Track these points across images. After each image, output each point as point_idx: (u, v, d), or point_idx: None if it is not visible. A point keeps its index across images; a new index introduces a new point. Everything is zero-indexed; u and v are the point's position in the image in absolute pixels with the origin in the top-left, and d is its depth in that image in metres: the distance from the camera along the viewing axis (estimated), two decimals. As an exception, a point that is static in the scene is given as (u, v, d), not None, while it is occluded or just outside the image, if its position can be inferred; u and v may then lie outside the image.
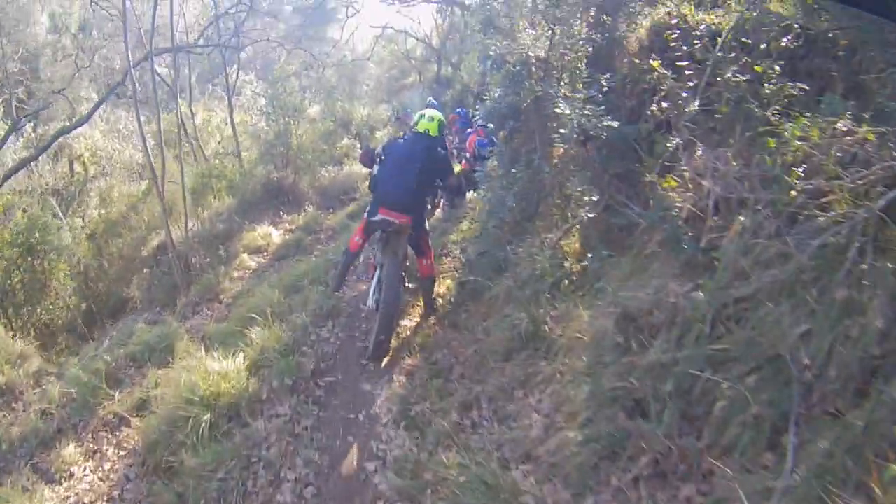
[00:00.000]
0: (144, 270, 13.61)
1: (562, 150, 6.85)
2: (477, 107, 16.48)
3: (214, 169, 16.34)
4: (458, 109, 18.82)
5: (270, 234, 13.51)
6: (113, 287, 13.90)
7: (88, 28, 22.26)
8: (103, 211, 17.01)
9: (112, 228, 15.81)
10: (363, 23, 47.03)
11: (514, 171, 7.09)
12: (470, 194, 12.70)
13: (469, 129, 14.62)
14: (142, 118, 20.12)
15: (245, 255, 12.57)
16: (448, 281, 8.00)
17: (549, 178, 6.80)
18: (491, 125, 11.55)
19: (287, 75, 16.16)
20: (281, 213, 15.00)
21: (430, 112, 7.17)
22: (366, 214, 6.90)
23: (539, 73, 6.75)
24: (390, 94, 31.96)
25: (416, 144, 6.90)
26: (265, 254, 12.83)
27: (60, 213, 15.47)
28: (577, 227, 6.34)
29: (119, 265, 14.53)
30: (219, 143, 19.88)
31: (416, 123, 7.14)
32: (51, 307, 12.83)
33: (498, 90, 7.47)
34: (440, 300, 7.55)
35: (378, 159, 7.06)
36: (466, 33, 27.22)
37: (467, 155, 12.65)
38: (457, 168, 12.83)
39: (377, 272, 6.76)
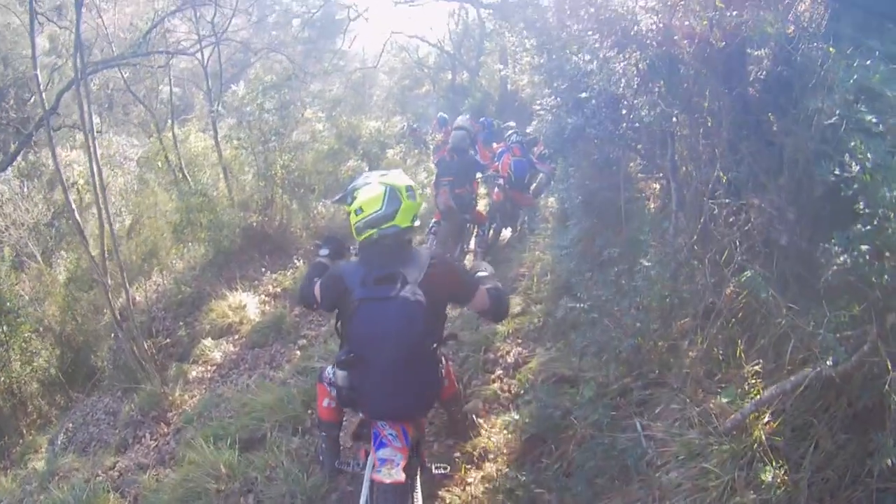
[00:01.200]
0: (112, 335, 11.23)
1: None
2: (510, 124, 13.89)
3: (198, 203, 12.94)
4: (483, 119, 16.51)
5: (245, 304, 10.42)
6: (83, 350, 11.87)
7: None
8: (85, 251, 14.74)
9: (87, 274, 13.51)
10: (373, 31, 45.05)
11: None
12: (506, 232, 10.81)
13: (497, 145, 13.10)
14: (133, 144, 17.83)
15: (209, 342, 9.62)
16: (499, 422, 5.16)
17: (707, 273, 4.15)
18: (544, 150, 10.03)
19: (265, 87, 12.79)
20: (263, 268, 12.08)
21: (402, 179, 3.82)
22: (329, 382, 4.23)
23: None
24: (403, 105, 29.79)
25: (405, 280, 3.49)
26: (236, 336, 9.86)
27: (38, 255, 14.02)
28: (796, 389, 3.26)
29: (92, 321, 12.42)
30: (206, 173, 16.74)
31: (392, 213, 3.69)
32: (13, 374, 11.05)
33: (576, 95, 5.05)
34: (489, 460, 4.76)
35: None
36: (485, 32, 25.24)
37: (500, 181, 10.23)
38: (481, 204, 11.02)
39: (368, 471, 3.62)
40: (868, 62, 3.06)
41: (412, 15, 43.18)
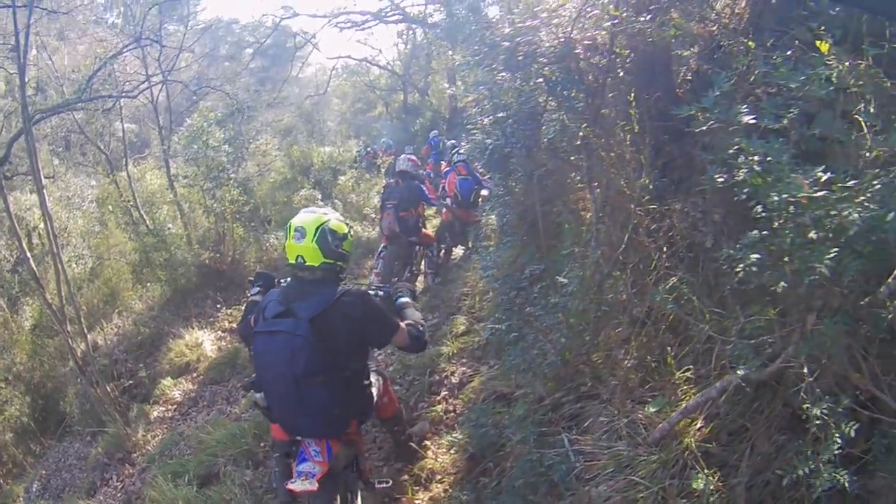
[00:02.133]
0: (77, 380, 10.91)
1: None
2: (453, 140, 13.87)
3: (154, 242, 12.84)
4: (432, 134, 16.38)
5: (201, 342, 10.29)
6: (52, 396, 11.67)
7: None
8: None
9: (51, 321, 13.06)
10: (324, 57, 44.91)
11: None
12: (458, 250, 10.80)
13: (442, 162, 13.53)
14: (90, 184, 17.48)
15: (168, 381, 9.59)
16: (445, 442, 5.14)
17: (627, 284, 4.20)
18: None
19: (210, 123, 12.58)
20: (218, 304, 11.89)
21: (299, 218, 3.93)
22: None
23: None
24: (357, 128, 29.70)
25: (295, 314, 3.66)
26: (194, 374, 9.77)
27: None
28: (722, 395, 3.26)
29: (59, 367, 12.15)
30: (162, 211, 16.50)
31: (285, 246, 3.94)
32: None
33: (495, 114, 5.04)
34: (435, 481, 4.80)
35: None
36: (432, 52, 25.19)
37: (448, 201, 10.24)
38: (430, 226, 10.76)
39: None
40: (788, 52, 2.99)
41: (362, 39, 43.07)
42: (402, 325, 3.91)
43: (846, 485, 2.34)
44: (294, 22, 25.31)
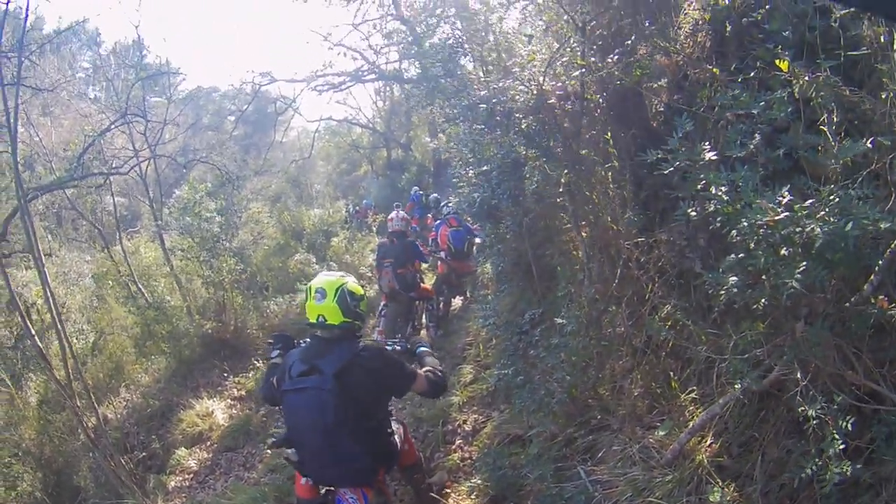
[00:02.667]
0: (90, 454, 10.53)
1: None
2: (436, 195, 14.06)
3: (154, 315, 12.89)
4: (413, 190, 16.59)
5: (212, 411, 10.23)
6: (64, 471, 11.18)
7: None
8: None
9: (57, 395, 12.56)
10: (305, 121, 44.76)
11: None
12: (456, 301, 10.94)
13: (428, 216, 13.88)
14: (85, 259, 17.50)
15: (182, 451, 9.44)
16: (464, 489, 5.17)
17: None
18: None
19: (201, 195, 12.69)
20: (225, 373, 11.82)
21: (318, 280, 4.19)
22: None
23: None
24: (343, 189, 29.56)
25: (320, 371, 3.91)
26: (208, 443, 9.66)
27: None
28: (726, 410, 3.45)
29: (69, 442, 11.62)
30: (160, 284, 16.45)
31: (306, 307, 4.19)
32: (-4, 500, 10.74)
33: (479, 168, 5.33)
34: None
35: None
36: (411, 107, 24.96)
37: (442, 254, 10.35)
38: (427, 280, 10.88)
39: None
40: (752, 74, 3.19)
41: (341, 99, 43.23)
42: (421, 372, 4.20)
43: (850, 474, 2.44)
44: (273, 87, 25.37)
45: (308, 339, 4.32)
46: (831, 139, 2.80)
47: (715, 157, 2.81)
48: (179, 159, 18.03)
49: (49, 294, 8.72)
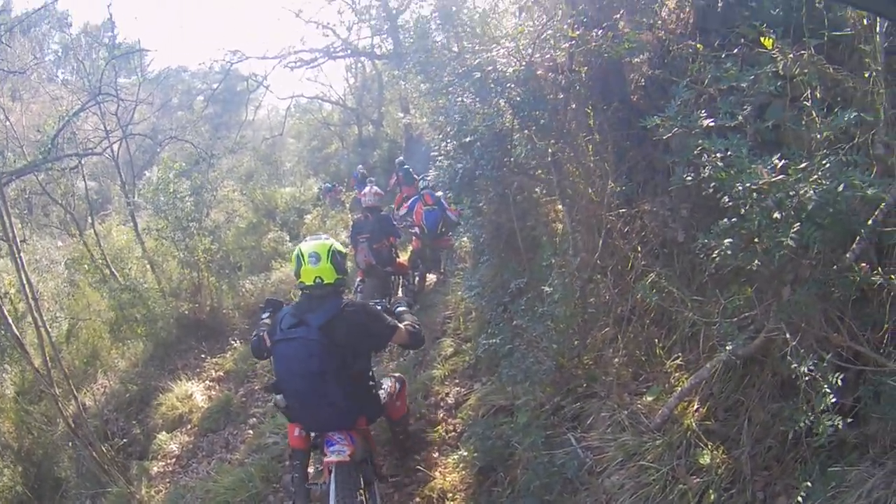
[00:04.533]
0: (70, 444, 10.52)
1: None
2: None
3: (129, 298, 12.57)
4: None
5: (191, 393, 10.12)
6: (44, 463, 11.11)
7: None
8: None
9: (34, 386, 12.61)
10: (276, 98, 44.11)
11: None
12: (431, 276, 10.91)
13: (403, 189, 13.98)
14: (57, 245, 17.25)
15: (163, 435, 9.30)
16: (450, 461, 5.19)
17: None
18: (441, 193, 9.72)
19: (175, 174, 12.50)
20: (203, 354, 11.73)
21: (309, 245, 4.55)
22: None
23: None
24: (315, 166, 29.26)
25: (307, 323, 4.27)
26: (189, 426, 9.54)
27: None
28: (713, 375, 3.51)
29: (48, 432, 11.55)
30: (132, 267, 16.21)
31: (297, 273, 4.55)
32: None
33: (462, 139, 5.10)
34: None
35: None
36: (383, 83, 25.07)
37: (416, 230, 10.29)
38: (404, 255, 10.93)
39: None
40: (736, 50, 3.26)
41: (312, 76, 42.85)
42: (401, 325, 4.56)
43: (840, 428, 2.55)
44: (245, 66, 25.06)
45: (299, 298, 4.68)
46: (815, 114, 2.89)
47: (713, 124, 2.89)
48: (152, 139, 17.84)
49: (25, 280, 8.59)
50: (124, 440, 10.17)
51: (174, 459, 8.77)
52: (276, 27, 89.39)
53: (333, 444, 4.33)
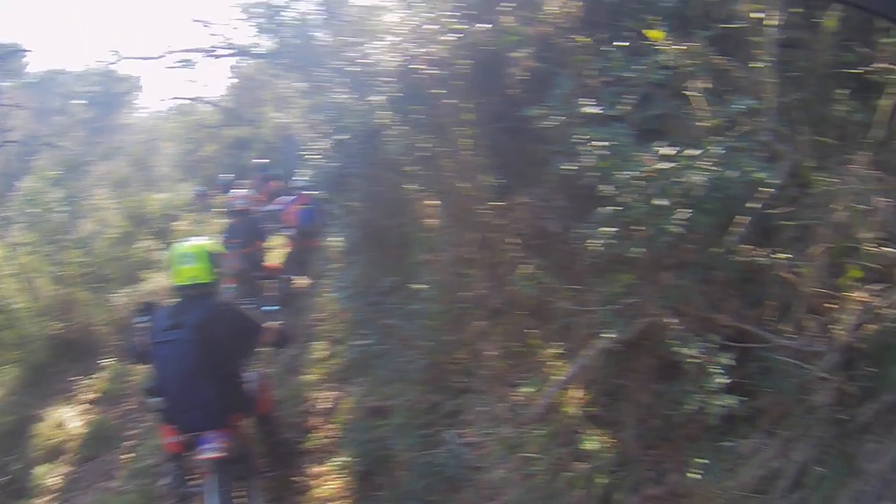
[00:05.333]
0: None
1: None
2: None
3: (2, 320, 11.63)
4: (259, 164, 15.97)
5: (66, 419, 9.44)
6: None
7: None
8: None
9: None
10: (154, 100, 43.01)
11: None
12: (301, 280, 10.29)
13: (273, 188, 13.21)
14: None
15: (43, 468, 8.45)
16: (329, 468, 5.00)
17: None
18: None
19: (48, 183, 11.82)
20: (77, 375, 10.81)
21: (183, 246, 4.71)
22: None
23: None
24: (189, 170, 27.99)
25: (184, 324, 4.32)
26: (68, 455, 8.78)
27: None
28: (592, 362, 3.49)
29: None
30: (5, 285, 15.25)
31: (172, 274, 4.64)
32: None
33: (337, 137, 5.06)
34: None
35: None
36: (264, 80, 24.32)
37: (291, 231, 10.12)
38: (278, 255, 10.62)
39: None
40: (626, 44, 3.22)
41: (191, 77, 42.05)
42: (271, 325, 4.70)
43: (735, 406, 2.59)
44: (125, 67, 24.15)
45: (176, 300, 4.63)
46: (705, 102, 2.92)
47: (596, 112, 2.92)
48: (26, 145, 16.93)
49: None
50: (8, 476, 9.00)
51: (58, 493, 8.08)
52: (159, 26, 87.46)
53: (208, 443, 4.31)
